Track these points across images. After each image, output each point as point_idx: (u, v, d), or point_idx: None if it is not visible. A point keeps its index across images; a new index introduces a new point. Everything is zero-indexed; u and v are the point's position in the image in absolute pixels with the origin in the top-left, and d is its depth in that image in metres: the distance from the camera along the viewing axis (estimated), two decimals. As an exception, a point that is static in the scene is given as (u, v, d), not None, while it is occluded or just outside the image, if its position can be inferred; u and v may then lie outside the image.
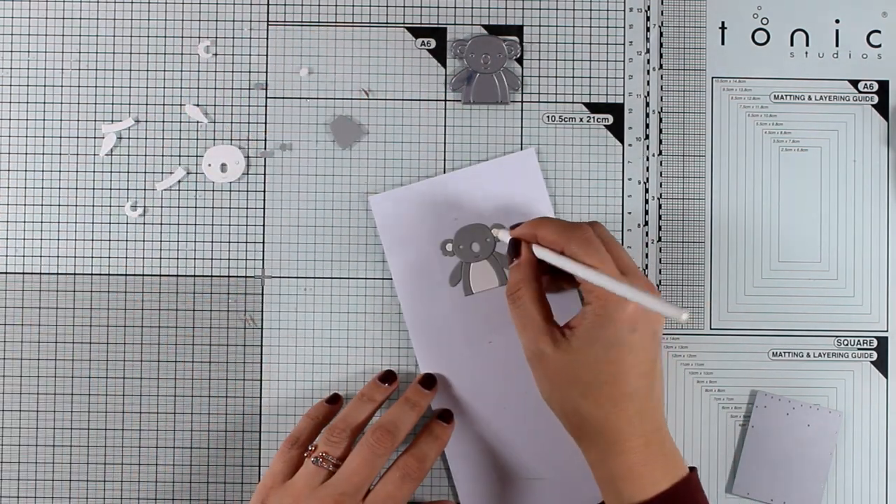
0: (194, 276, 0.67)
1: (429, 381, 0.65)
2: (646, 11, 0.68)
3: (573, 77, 0.68)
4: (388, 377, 0.65)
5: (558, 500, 0.65)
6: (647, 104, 0.68)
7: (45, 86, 0.67)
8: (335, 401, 0.65)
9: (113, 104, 0.67)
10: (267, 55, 0.68)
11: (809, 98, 0.68)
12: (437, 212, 0.66)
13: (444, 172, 0.67)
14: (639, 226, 0.68)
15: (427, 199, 0.66)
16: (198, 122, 0.67)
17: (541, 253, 0.58)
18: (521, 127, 0.68)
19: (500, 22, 0.68)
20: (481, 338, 0.66)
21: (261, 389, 0.67)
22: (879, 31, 0.68)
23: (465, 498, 0.66)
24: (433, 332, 0.66)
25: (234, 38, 0.68)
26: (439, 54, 0.68)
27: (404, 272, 0.66)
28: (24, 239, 0.67)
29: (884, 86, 0.68)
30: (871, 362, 0.67)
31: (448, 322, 0.66)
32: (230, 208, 0.67)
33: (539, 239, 0.59)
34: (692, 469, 0.58)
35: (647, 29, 0.68)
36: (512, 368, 0.65)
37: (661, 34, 0.68)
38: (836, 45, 0.68)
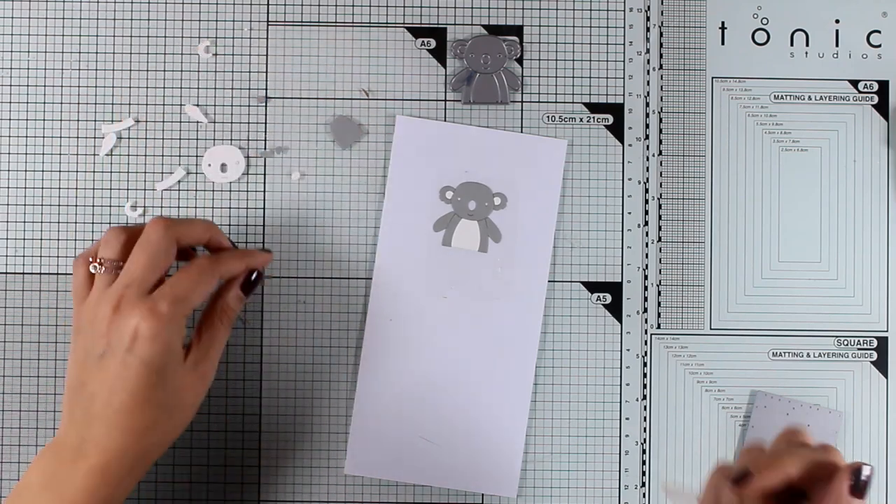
0: (194, 276, 0.67)
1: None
2: (646, 11, 0.68)
3: (573, 77, 0.68)
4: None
5: (449, 470, 0.66)
6: (647, 104, 0.68)
7: (45, 86, 0.67)
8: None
9: (113, 104, 0.67)
10: (267, 55, 0.68)
11: (809, 98, 0.68)
12: (451, 157, 0.67)
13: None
14: (639, 226, 0.68)
15: (448, 141, 0.67)
16: (198, 122, 0.67)
17: None
18: (521, 127, 0.68)
19: (500, 22, 0.68)
20: (439, 290, 0.66)
21: (261, 389, 0.67)
22: (879, 31, 0.68)
23: (353, 446, 0.66)
24: (397, 267, 0.66)
25: (234, 38, 0.68)
26: (439, 54, 0.68)
27: (398, 201, 0.66)
28: (24, 239, 0.67)
29: (884, 86, 0.68)
30: (871, 362, 0.67)
31: (414, 264, 0.66)
32: (230, 208, 0.67)
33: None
34: None
35: (647, 29, 0.68)
36: (457, 329, 0.66)
37: (661, 34, 0.68)
38: (836, 45, 0.68)
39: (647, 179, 0.68)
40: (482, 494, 0.66)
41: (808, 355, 0.67)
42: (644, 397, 0.67)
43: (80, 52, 0.67)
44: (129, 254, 0.58)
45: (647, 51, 0.68)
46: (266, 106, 0.68)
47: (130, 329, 0.55)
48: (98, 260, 0.58)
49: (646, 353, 0.67)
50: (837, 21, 0.68)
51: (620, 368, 0.67)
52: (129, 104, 0.67)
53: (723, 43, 0.68)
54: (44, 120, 0.67)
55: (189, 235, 0.59)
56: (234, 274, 0.61)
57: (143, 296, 0.56)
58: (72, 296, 0.59)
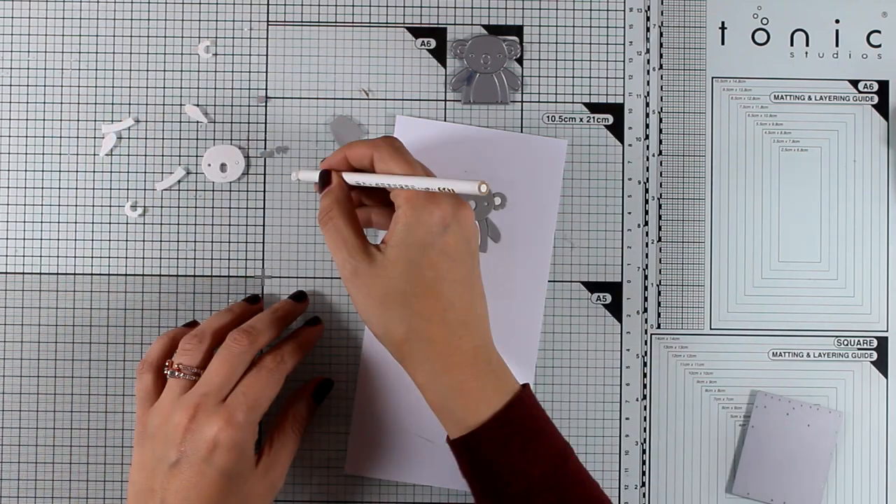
0: (194, 276, 0.67)
1: (299, 296, 0.66)
2: (646, 11, 0.68)
3: (573, 77, 0.68)
4: (253, 299, 0.66)
5: (449, 470, 0.66)
6: (647, 104, 0.68)
7: (45, 86, 0.67)
8: (190, 325, 0.64)
9: (113, 104, 0.67)
10: (267, 55, 0.68)
11: (809, 98, 0.68)
12: (451, 157, 0.67)
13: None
14: (639, 226, 0.68)
15: (448, 141, 0.67)
16: (198, 122, 0.67)
17: (351, 178, 0.59)
18: (522, 127, 0.68)
19: (500, 22, 0.68)
20: None
21: (261, 389, 0.67)
22: (879, 31, 0.68)
23: (353, 446, 0.66)
24: None
25: (234, 38, 0.68)
26: (439, 54, 0.68)
27: None
28: (24, 239, 0.67)
29: (884, 86, 0.68)
30: (871, 362, 0.67)
31: None
32: (230, 208, 0.67)
33: (349, 157, 0.59)
34: (524, 386, 0.58)
35: (647, 29, 0.68)
36: None
37: (661, 34, 0.68)
38: (836, 45, 0.68)
39: (647, 179, 0.68)
40: None
41: (808, 355, 0.67)
42: (644, 397, 0.67)
43: (80, 52, 0.67)
44: (208, 361, 0.59)
45: (647, 51, 0.68)
46: (266, 106, 0.68)
47: (209, 438, 0.56)
48: (176, 366, 0.59)
49: (646, 353, 0.67)
50: (837, 21, 0.68)
51: (620, 368, 0.67)
52: (129, 104, 0.67)
53: (723, 43, 0.68)
54: (44, 120, 0.67)
55: (266, 342, 0.61)
56: (297, 363, 0.62)
57: (219, 404, 0.57)
58: (136, 401, 0.61)
